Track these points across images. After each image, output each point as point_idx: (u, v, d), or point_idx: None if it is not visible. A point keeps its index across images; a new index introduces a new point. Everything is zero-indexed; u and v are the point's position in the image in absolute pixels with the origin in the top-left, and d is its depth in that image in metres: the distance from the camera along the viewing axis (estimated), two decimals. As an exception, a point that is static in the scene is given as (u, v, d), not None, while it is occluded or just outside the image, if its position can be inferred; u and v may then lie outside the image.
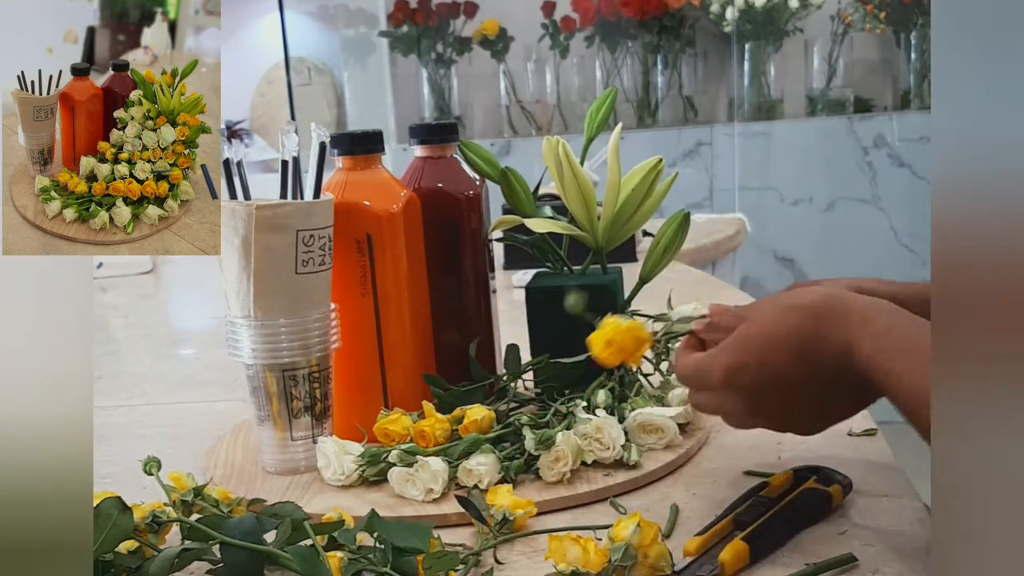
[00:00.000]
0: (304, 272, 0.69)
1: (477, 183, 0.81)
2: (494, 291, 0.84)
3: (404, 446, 0.67)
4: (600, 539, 0.59)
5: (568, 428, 0.68)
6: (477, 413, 0.69)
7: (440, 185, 0.79)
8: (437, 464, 0.65)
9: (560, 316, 0.78)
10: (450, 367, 0.79)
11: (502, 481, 0.65)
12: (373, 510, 0.56)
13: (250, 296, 0.68)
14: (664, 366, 0.80)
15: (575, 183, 0.77)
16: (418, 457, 0.65)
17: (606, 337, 0.65)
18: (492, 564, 0.56)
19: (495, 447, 0.67)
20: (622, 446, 0.67)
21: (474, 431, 0.68)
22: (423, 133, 0.80)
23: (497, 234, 0.82)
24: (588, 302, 0.73)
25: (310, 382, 0.70)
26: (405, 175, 0.80)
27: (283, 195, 0.71)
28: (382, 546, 0.54)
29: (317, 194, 0.71)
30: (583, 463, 0.67)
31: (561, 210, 0.82)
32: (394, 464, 0.66)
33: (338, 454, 0.68)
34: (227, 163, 0.70)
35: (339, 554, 0.52)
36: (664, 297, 0.84)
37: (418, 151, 0.80)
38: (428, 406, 0.70)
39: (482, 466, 0.65)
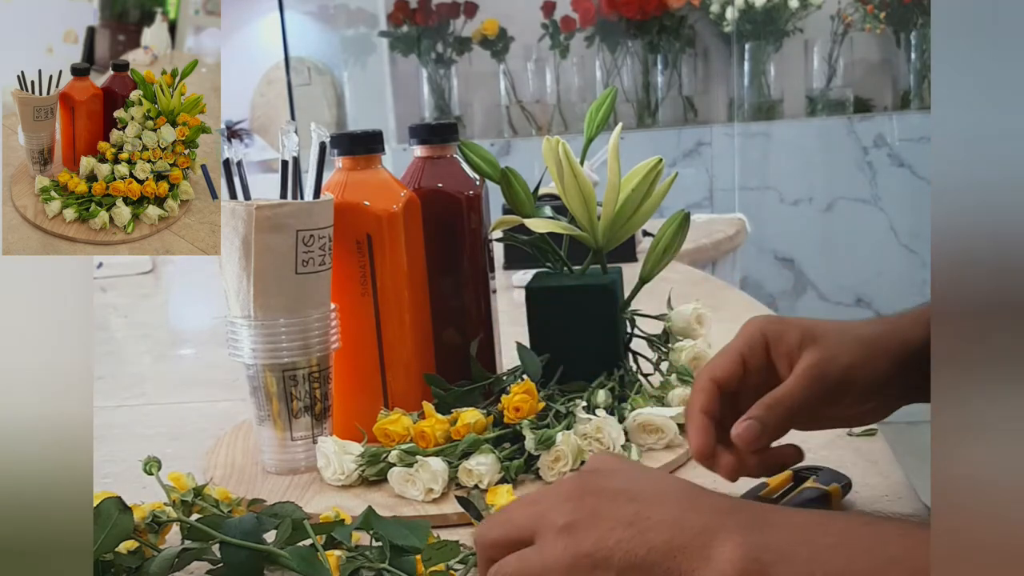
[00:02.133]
0: (304, 272, 0.69)
1: (477, 183, 0.81)
2: (494, 291, 0.84)
3: (404, 446, 0.67)
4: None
5: (568, 428, 0.68)
6: (471, 416, 0.69)
7: (440, 185, 0.79)
8: (437, 464, 0.65)
9: (560, 316, 0.78)
10: (450, 367, 0.79)
11: (502, 481, 0.65)
12: (370, 507, 0.56)
13: (250, 296, 0.68)
14: (664, 366, 0.80)
15: (575, 183, 0.77)
16: (418, 457, 0.65)
17: None
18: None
19: (495, 447, 0.68)
20: (622, 446, 0.67)
21: (466, 434, 0.68)
22: (423, 133, 0.80)
23: (497, 234, 0.82)
24: (588, 304, 0.73)
25: (310, 382, 0.70)
26: (405, 175, 0.80)
27: (283, 195, 0.71)
28: (379, 544, 0.54)
29: (317, 194, 0.71)
30: (583, 463, 0.67)
31: (561, 210, 0.82)
32: (394, 464, 0.66)
33: (338, 454, 0.68)
34: (227, 163, 0.70)
35: (337, 552, 0.52)
36: (664, 297, 0.84)
37: (418, 151, 0.80)
38: (428, 406, 0.70)
39: (482, 466, 0.65)
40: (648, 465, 0.67)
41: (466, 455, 0.67)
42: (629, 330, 0.81)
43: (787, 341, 0.55)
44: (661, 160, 0.77)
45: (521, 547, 0.43)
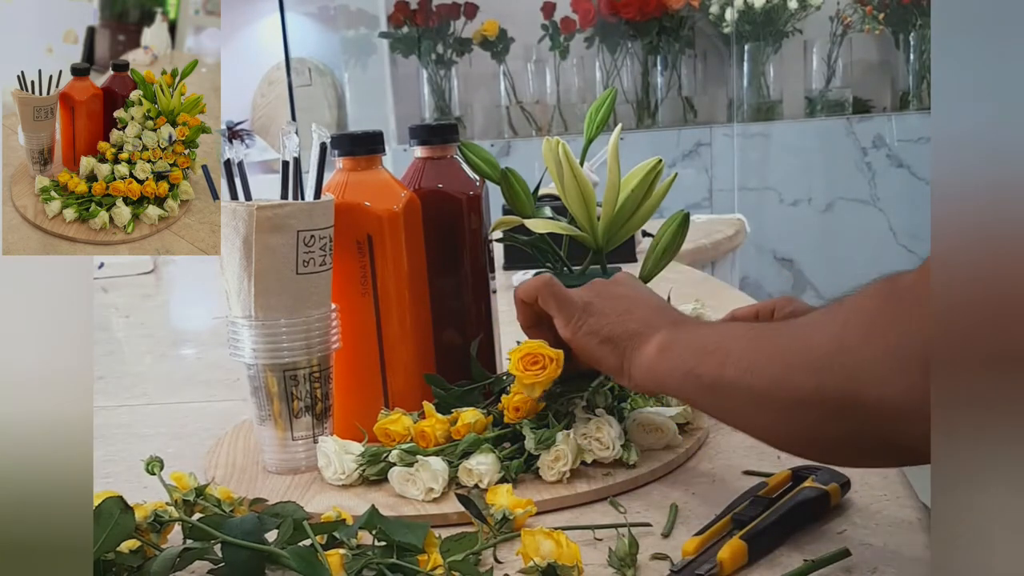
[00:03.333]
0: (305, 272, 0.69)
1: (477, 183, 0.81)
2: (494, 291, 0.84)
3: (404, 446, 0.67)
4: (600, 539, 0.59)
5: (568, 428, 0.68)
6: (471, 416, 0.69)
7: (440, 186, 0.79)
8: (437, 464, 0.65)
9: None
10: (450, 367, 0.79)
11: (502, 480, 0.66)
12: (373, 506, 0.56)
13: (251, 296, 0.68)
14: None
15: (575, 184, 0.77)
16: (418, 457, 0.65)
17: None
18: (492, 563, 0.56)
19: (495, 447, 0.68)
20: (622, 446, 0.67)
21: (466, 434, 0.68)
22: (424, 134, 0.80)
23: (497, 234, 0.82)
24: None
25: (311, 382, 0.70)
26: (405, 175, 0.80)
27: (284, 195, 0.71)
28: (382, 543, 0.54)
29: (318, 194, 0.71)
30: (583, 463, 0.67)
31: (561, 210, 0.82)
32: (394, 464, 0.66)
33: (339, 453, 0.68)
34: (228, 163, 0.70)
35: (340, 551, 0.52)
36: (664, 297, 0.84)
37: (418, 152, 0.80)
38: (428, 406, 0.70)
39: (482, 466, 0.65)
40: (653, 460, 0.68)
41: (466, 455, 0.67)
42: (629, 330, 0.81)
43: (790, 310, 0.73)
44: (661, 161, 0.77)
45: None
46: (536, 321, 0.69)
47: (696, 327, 0.61)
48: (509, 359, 0.68)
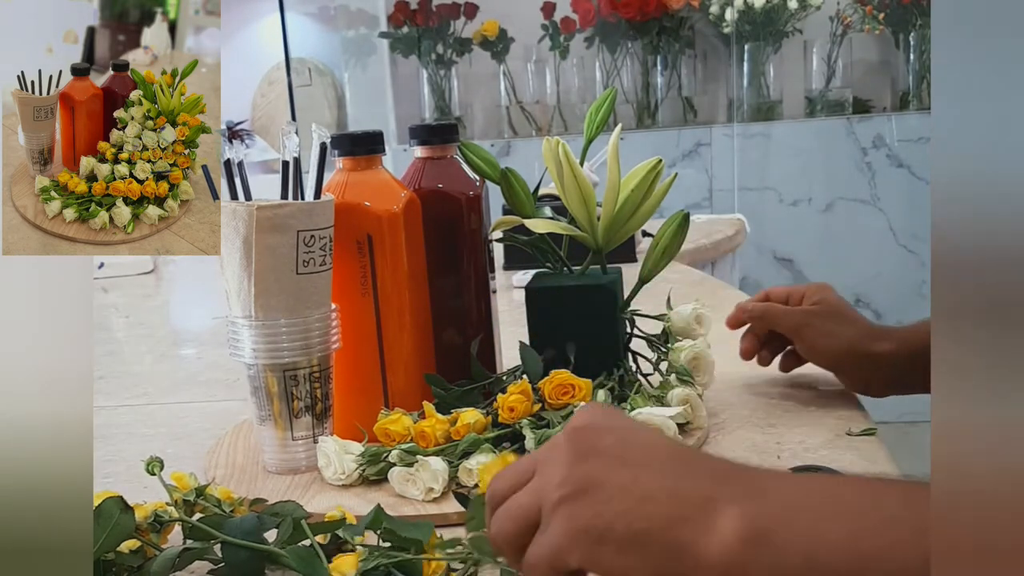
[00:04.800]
0: (305, 272, 0.69)
1: (477, 183, 0.81)
2: (494, 291, 0.84)
3: (404, 446, 0.67)
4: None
5: (568, 428, 0.68)
6: (470, 416, 0.69)
7: (440, 186, 0.79)
8: (437, 464, 0.65)
9: (560, 316, 0.78)
10: (450, 367, 0.79)
11: (502, 481, 0.65)
12: (378, 505, 0.56)
13: (251, 296, 0.68)
14: (664, 366, 0.80)
15: (575, 184, 0.77)
16: (418, 457, 0.65)
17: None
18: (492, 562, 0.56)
19: (494, 447, 0.68)
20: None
21: (466, 434, 0.68)
22: (424, 134, 0.80)
23: (497, 234, 0.82)
24: (588, 304, 0.73)
25: (311, 382, 0.70)
26: (405, 176, 0.80)
27: (284, 196, 0.71)
28: (387, 543, 0.54)
29: (318, 195, 0.71)
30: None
31: (561, 210, 0.82)
32: (394, 464, 0.66)
33: (339, 453, 0.68)
34: (228, 163, 0.70)
35: (356, 552, 0.52)
36: (664, 297, 0.84)
37: (418, 152, 0.80)
38: (428, 406, 0.70)
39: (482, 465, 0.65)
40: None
41: (466, 455, 0.67)
42: (628, 330, 0.82)
43: (819, 298, 0.78)
44: (661, 161, 0.77)
45: (534, 529, 0.42)
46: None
47: (778, 493, 0.39)
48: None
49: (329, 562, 0.53)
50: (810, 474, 0.44)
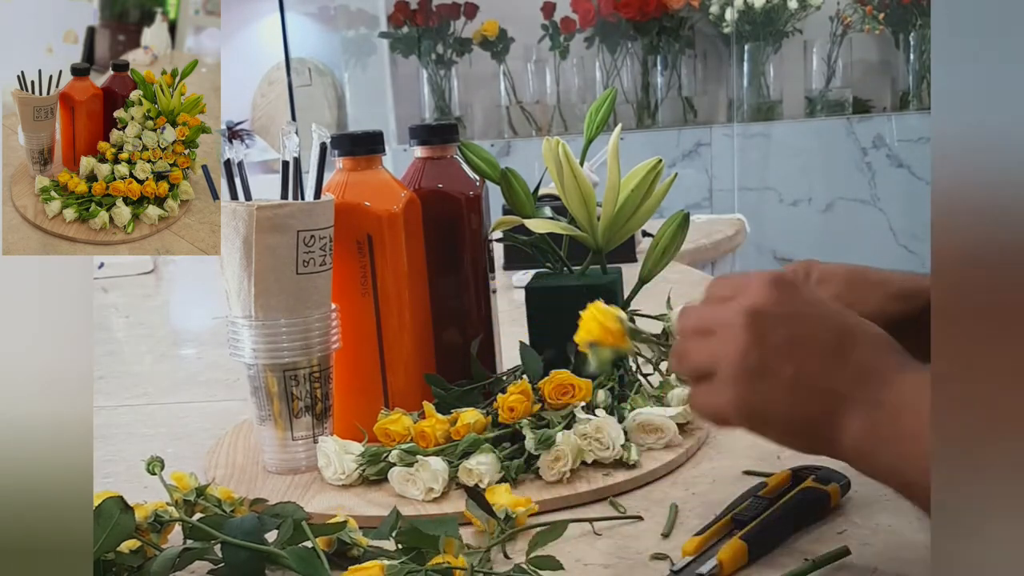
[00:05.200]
0: (305, 272, 0.69)
1: (477, 184, 0.81)
2: (494, 291, 0.84)
3: (404, 446, 0.67)
4: (599, 534, 0.59)
5: (568, 428, 0.68)
6: (470, 416, 0.69)
7: (440, 186, 0.79)
8: (437, 464, 0.65)
9: (560, 316, 0.78)
10: (450, 367, 0.79)
11: (502, 480, 0.66)
12: (395, 508, 0.56)
13: (251, 296, 0.68)
14: (664, 366, 0.80)
15: (575, 184, 0.77)
16: (418, 457, 0.65)
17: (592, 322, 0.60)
18: (500, 559, 0.56)
19: (494, 447, 0.68)
20: (622, 446, 0.67)
21: (465, 434, 0.68)
22: (424, 134, 0.80)
23: (497, 234, 0.82)
24: (588, 304, 0.73)
25: (311, 382, 0.70)
26: (405, 176, 0.80)
27: (284, 196, 0.71)
28: (401, 545, 0.54)
29: (318, 195, 0.71)
30: (583, 463, 0.67)
31: (561, 210, 0.82)
32: (394, 464, 0.66)
33: (339, 453, 0.68)
34: (228, 163, 0.70)
35: (380, 562, 0.51)
36: (663, 297, 0.84)
37: (418, 152, 0.80)
38: (428, 406, 0.70)
39: (482, 465, 0.65)
40: (653, 459, 0.67)
41: (466, 455, 0.67)
42: (629, 330, 0.81)
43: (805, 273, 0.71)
44: (661, 161, 0.77)
45: (707, 376, 0.51)
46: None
47: (894, 402, 0.47)
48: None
49: (336, 568, 0.52)
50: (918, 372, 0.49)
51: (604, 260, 0.81)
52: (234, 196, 0.70)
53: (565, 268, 0.83)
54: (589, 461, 0.67)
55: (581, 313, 0.59)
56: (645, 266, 0.80)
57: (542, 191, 0.85)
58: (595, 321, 0.58)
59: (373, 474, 0.68)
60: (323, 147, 0.71)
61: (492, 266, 0.83)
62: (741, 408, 0.49)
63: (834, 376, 0.49)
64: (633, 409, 0.72)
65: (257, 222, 0.66)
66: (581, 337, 0.58)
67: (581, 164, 0.79)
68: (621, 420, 0.71)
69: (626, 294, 0.82)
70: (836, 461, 0.65)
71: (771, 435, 0.51)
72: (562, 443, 0.65)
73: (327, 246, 0.70)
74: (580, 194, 0.77)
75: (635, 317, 0.82)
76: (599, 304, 0.59)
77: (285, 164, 0.71)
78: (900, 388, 0.47)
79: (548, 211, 0.83)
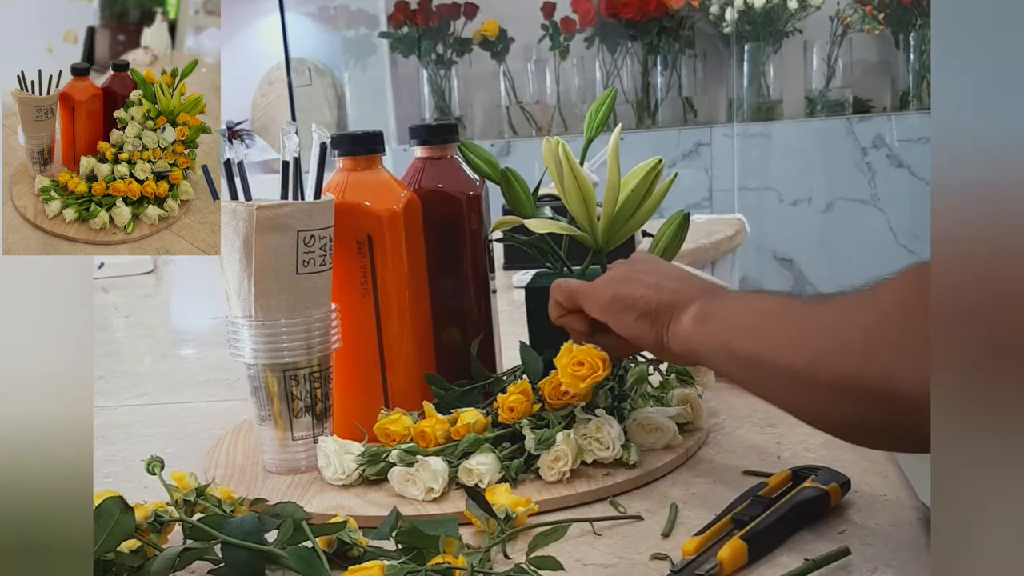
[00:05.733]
0: (305, 272, 0.69)
1: (477, 183, 0.81)
2: (494, 291, 0.84)
3: (404, 446, 0.67)
4: (599, 534, 0.59)
5: (567, 428, 0.68)
6: (470, 416, 0.69)
7: (440, 186, 0.79)
8: (437, 464, 0.65)
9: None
10: (450, 367, 0.79)
11: (502, 480, 0.66)
12: (395, 508, 0.56)
13: (251, 296, 0.68)
14: (663, 366, 0.80)
15: (575, 184, 0.77)
16: (418, 457, 0.65)
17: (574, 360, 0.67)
18: (501, 559, 0.56)
19: (494, 447, 0.68)
20: (622, 446, 0.67)
21: (465, 434, 0.68)
22: (423, 134, 0.80)
23: (497, 234, 0.82)
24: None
25: (311, 382, 0.70)
26: (405, 176, 0.80)
27: (284, 196, 0.71)
28: (402, 546, 0.54)
29: (318, 194, 0.71)
30: (583, 462, 0.67)
31: (561, 210, 0.82)
32: (394, 464, 0.66)
33: (339, 453, 0.68)
34: (228, 163, 0.70)
35: (380, 562, 0.51)
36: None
37: (418, 152, 0.80)
38: (428, 406, 0.70)
39: (483, 466, 0.65)
40: (653, 459, 0.68)
41: (466, 455, 0.67)
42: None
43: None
44: (661, 161, 0.77)
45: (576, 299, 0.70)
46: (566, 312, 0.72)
47: (729, 298, 0.62)
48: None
49: (336, 568, 0.52)
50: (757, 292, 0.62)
51: (603, 260, 0.81)
52: (234, 196, 0.70)
53: (565, 268, 0.83)
54: (589, 461, 0.67)
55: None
56: (645, 266, 0.80)
57: (542, 191, 0.85)
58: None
59: (373, 474, 0.68)
60: (323, 147, 0.71)
61: (492, 266, 0.83)
62: (611, 294, 0.65)
63: (685, 285, 0.64)
64: (633, 409, 0.72)
65: (257, 222, 0.66)
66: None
67: (581, 164, 0.79)
68: (621, 420, 0.70)
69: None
70: (836, 461, 0.66)
71: (627, 322, 0.64)
72: (562, 443, 0.65)
73: (327, 246, 0.70)
74: (580, 194, 0.77)
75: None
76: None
77: (285, 164, 0.71)
78: (735, 296, 0.63)
79: (548, 211, 0.83)
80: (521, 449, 0.67)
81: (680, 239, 0.79)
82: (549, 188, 0.88)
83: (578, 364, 0.67)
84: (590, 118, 0.82)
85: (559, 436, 0.66)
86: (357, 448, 0.69)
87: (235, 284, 0.69)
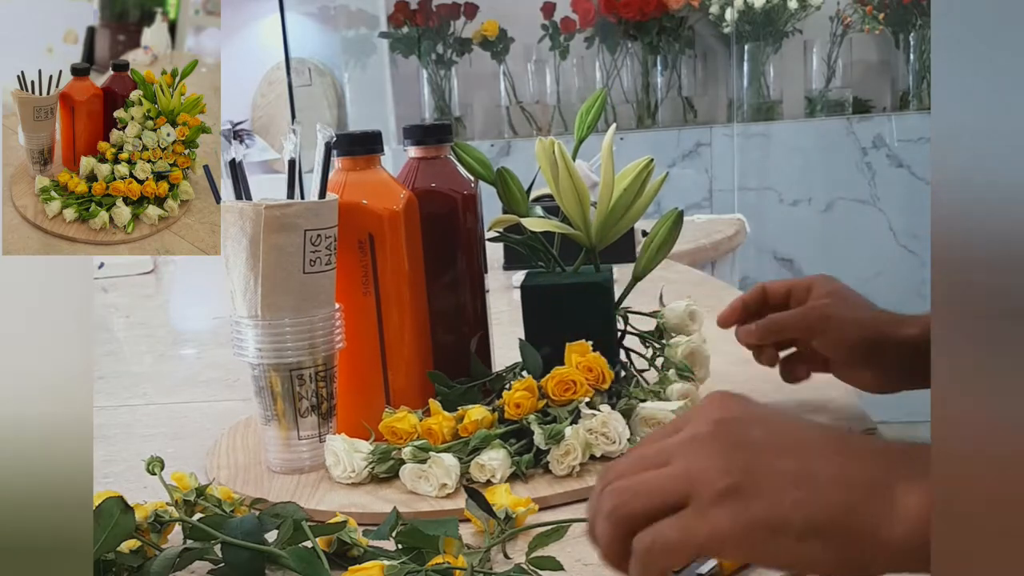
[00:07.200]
0: (312, 272, 0.69)
1: (472, 183, 0.81)
2: (487, 291, 0.84)
3: (416, 443, 0.67)
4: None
5: (574, 423, 0.68)
6: (478, 413, 0.69)
7: (434, 185, 0.79)
8: (450, 460, 0.65)
9: (555, 314, 0.78)
10: (446, 365, 0.79)
11: (513, 475, 0.66)
12: (395, 508, 0.56)
13: (258, 296, 0.68)
14: (659, 362, 0.80)
15: (570, 182, 0.77)
16: (431, 453, 0.66)
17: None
18: (501, 559, 0.56)
19: (503, 442, 0.68)
20: (628, 440, 0.67)
21: (474, 431, 0.69)
22: (418, 134, 0.80)
23: (490, 234, 0.82)
24: (582, 301, 0.74)
25: (316, 381, 0.70)
26: (400, 176, 0.80)
27: (290, 195, 0.71)
28: (401, 545, 0.54)
29: (323, 194, 0.71)
30: (591, 457, 0.67)
31: (552, 211, 0.83)
32: (404, 461, 0.66)
33: (348, 452, 0.68)
34: (233, 163, 0.69)
35: (380, 562, 0.51)
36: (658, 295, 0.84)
37: (413, 152, 0.81)
38: (435, 404, 0.71)
39: (494, 461, 0.65)
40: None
41: (475, 451, 0.67)
42: (622, 327, 0.82)
43: (829, 290, 0.74)
44: (652, 160, 0.78)
45: (666, 512, 0.39)
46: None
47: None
48: None
49: (336, 568, 0.52)
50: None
51: (597, 258, 0.81)
52: (239, 196, 0.70)
53: (558, 267, 0.83)
54: (597, 455, 0.67)
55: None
56: (639, 264, 0.80)
57: (534, 193, 0.85)
58: None
59: (383, 472, 0.68)
60: (328, 147, 0.71)
61: (486, 266, 0.84)
62: (746, 524, 0.38)
63: (851, 463, 0.39)
64: (631, 404, 0.73)
65: (265, 221, 0.66)
66: None
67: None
68: (625, 416, 0.71)
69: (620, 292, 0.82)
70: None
71: (784, 550, 0.38)
72: (571, 438, 0.66)
73: (332, 245, 0.70)
74: (575, 193, 0.77)
75: (628, 315, 0.82)
76: None
77: (291, 163, 0.71)
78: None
79: (539, 210, 0.83)
80: (529, 444, 0.68)
81: (674, 236, 0.80)
82: (542, 191, 0.88)
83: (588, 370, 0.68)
84: (580, 118, 0.82)
85: (568, 431, 0.66)
86: (366, 446, 0.69)
87: (241, 284, 0.69)
